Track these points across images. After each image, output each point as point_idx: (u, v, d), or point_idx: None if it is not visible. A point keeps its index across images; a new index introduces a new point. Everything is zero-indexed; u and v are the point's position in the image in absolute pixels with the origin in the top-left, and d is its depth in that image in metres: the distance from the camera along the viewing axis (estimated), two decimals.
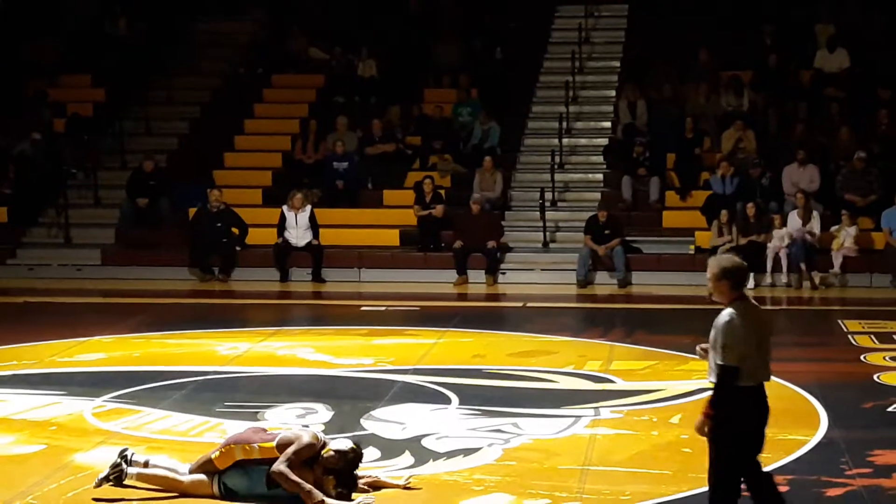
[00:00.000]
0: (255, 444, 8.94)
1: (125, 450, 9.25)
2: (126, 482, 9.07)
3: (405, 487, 9.20)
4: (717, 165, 21.34)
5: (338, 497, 8.78)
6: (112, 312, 17.99)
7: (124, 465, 9.11)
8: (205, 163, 23.24)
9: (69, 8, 26.73)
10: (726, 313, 7.62)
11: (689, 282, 19.70)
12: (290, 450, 8.75)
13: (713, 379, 7.69)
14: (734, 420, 7.63)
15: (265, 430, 9.31)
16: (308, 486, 8.69)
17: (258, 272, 20.86)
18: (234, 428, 10.31)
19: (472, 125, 23.26)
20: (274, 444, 8.89)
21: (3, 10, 26.03)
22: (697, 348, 7.94)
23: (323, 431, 9.04)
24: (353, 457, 8.92)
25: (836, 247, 19.69)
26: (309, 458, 8.84)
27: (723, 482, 7.77)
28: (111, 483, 9.06)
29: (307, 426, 10.74)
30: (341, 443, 8.98)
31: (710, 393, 7.75)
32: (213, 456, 9.03)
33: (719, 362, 7.55)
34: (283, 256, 20.72)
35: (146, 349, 14.90)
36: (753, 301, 7.87)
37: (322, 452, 8.87)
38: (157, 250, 21.57)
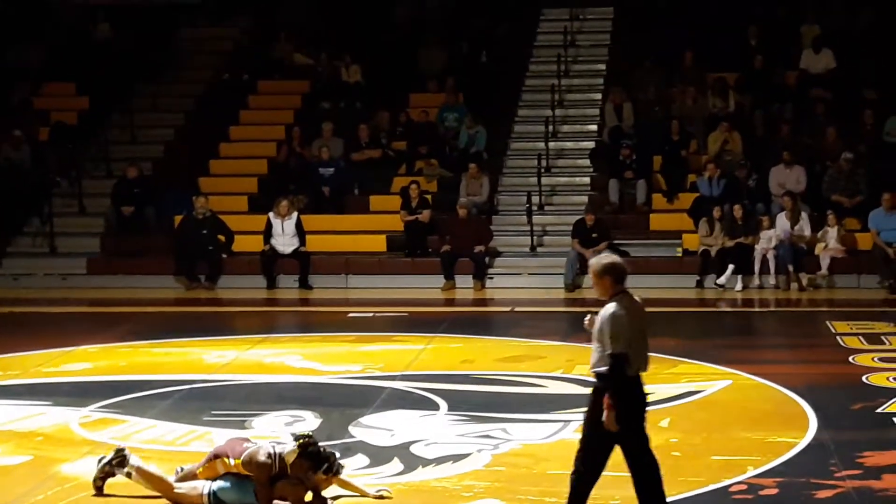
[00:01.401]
0: (230, 459, 8.89)
1: (123, 449, 9.22)
2: (126, 470, 9.06)
3: (376, 497, 9.11)
4: (703, 167, 21.33)
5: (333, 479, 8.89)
6: (98, 321, 17.91)
7: (128, 452, 9.09)
8: (190, 170, 23.18)
9: (53, 15, 26.62)
10: (610, 306, 8.04)
11: (677, 284, 19.71)
12: (258, 482, 8.73)
13: (597, 370, 8.05)
14: (622, 409, 7.97)
15: (246, 440, 9.20)
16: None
17: (245, 279, 20.79)
18: (222, 437, 10.25)
19: (458, 130, 23.23)
20: (241, 460, 8.82)
21: None
22: (585, 320, 8.23)
23: (304, 439, 8.89)
24: (309, 444, 8.82)
25: (819, 250, 19.69)
26: (277, 473, 8.75)
27: (587, 469, 8.19)
28: (111, 468, 9.08)
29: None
30: (289, 445, 8.88)
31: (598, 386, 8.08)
32: (197, 471, 9.00)
33: (610, 351, 7.93)
34: (269, 264, 20.66)
35: (132, 358, 14.83)
36: (634, 296, 8.22)
37: (286, 459, 8.78)
38: (143, 258, 21.50)
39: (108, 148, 23.89)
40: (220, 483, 8.92)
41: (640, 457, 8.15)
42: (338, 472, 8.94)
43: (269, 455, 8.77)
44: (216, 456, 8.98)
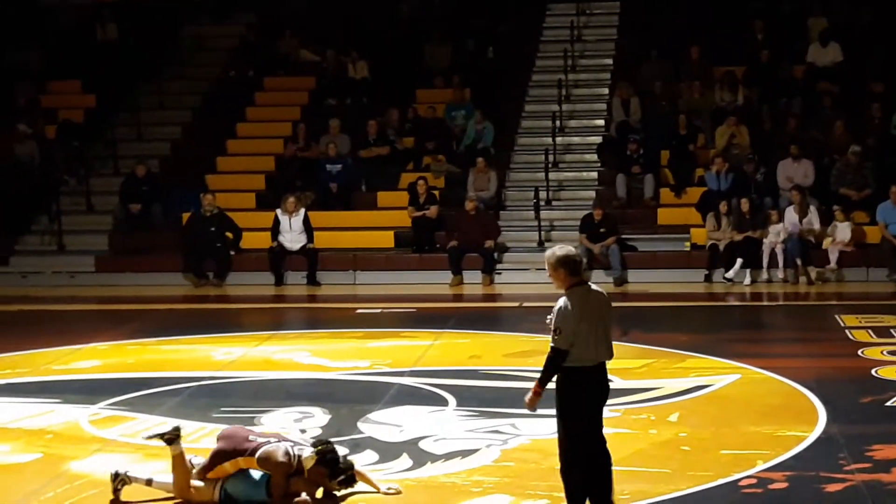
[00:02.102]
0: (238, 459, 8.88)
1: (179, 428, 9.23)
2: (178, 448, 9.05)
3: (385, 493, 9.13)
4: (711, 162, 21.31)
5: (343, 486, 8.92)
6: (107, 319, 17.93)
7: (182, 432, 9.14)
8: (197, 167, 23.20)
9: (58, 15, 26.64)
10: (561, 299, 8.21)
11: (685, 279, 19.69)
12: (275, 479, 8.75)
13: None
14: (579, 399, 8.12)
15: (250, 432, 9.16)
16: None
17: (253, 276, 20.81)
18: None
19: (466, 126, 23.21)
20: (255, 458, 8.82)
21: None
22: (548, 318, 8.34)
23: (316, 438, 8.95)
24: (328, 451, 8.86)
25: (827, 244, 19.66)
26: (294, 471, 8.81)
27: (572, 460, 8.18)
28: (166, 442, 9.08)
29: (304, 431, 10.72)
30: (308, 450, 8.93)
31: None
32: (208, 474, 8.97)
33: (551, 343, 8.15)
34: (277, 260, 20.67)
35: (141, 356, 14.85)
36: (592, 286, 8.40)
37: (304, 463, 8.80)
38: (151, 256, 21.53)
39: (116, 146, 23.94)
40: (230, 479, 8.93)
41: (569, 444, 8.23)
42: (351, 485, 8.97)
43: (288, 454, 8.78)
44: (225, 456, 8.93)
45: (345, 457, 9.16)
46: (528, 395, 8.26)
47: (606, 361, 8.27)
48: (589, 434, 8.17)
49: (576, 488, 8.24)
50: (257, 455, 8.81)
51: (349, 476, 8.96)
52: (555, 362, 8.16)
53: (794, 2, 24.84)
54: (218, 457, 8.97)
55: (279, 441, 8.97)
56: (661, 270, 19.82)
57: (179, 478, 9.04)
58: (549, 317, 8.23)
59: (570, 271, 8.26)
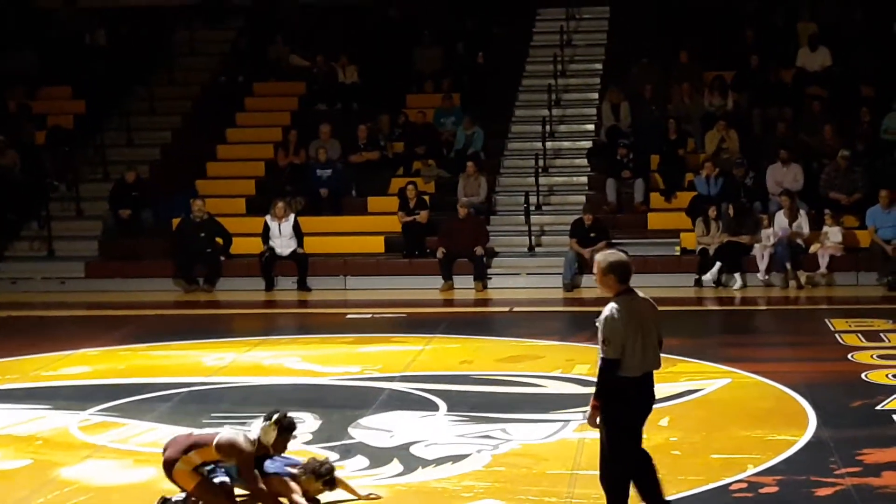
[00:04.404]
0: (191, 453, 8.65)
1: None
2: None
3: (365, 498, 9.11)
4: (701, 166, 21.34)
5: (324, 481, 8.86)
6: (97, 325, 17.90)
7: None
8: (187, 173, 23.16)
9: (48, 20, 26.61)
10: (608, 308, 7.98)
11: (676, 283, 19.70)
12: (243, 470, 8.59)
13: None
14: (623, 409, 7.98)
15: (190, 435, 8.94)
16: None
17: (243, 282, 20.79)
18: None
19: (456, 131, 23.21)
20: (212, 447, 8.63)
21: None
22: (595, 324, 8.16)
23: (276, 414, 8.82)
24: (283, 417, 8.78)
25: (815, 248, 19.69)
26: (260, 456, 8.73)
27: (614, 469, 8.07)
28: None
29: (295, 436, 10.67)
30: (259, 425, 8.79)
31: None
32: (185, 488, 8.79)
33: (601, 355, 7.93)
34: (269, 265, 20.65)
35: (131, 361, 14.82)
36: (640, 294, 8.15)
37: (268, 442, 8.70)
38: (141, 261, 21.49)
39: (105, 151, 23.89)
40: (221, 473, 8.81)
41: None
42: (333, 488, 8.94)
43: (250, 441, 8.67)
44: (174, 459, 8.71)
45: (327, 458, 9.10)
46: (587, 412, 8.09)
47: (654, 371, 8.11)
48: (632, 444, 8.08)
49: (615, 497, 8.14)
50: (217, 441, 8.62)
51: (332, 478, 8.90)
52: (608, 373, 7.91)
53: (784, 6, 24.87)
54: (169, 464, 8.74)
55: (231, 430, 8.83)
56: (651, 275, 19.76)
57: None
58: (596, 321, 8.03)
59: (620, 278, 8.04)
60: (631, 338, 7.91)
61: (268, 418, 8.77)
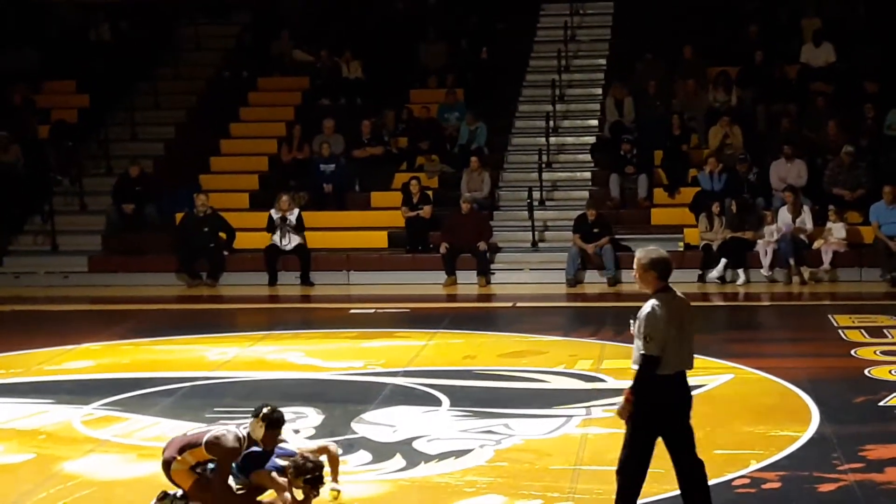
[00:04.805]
0: (185, 454, 8.67)
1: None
2: None
3: (331, 486, 9.03)
4: (704, 162, 21.33)
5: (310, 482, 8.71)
6: (100, 319, 17.91)
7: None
8: (191, 167, 23.18)
9: (52, 14, 26.61)
10: (649, 304, 7.89)
11: (679, 279, 19.56)
12: (219, 465, 8.55)
13: (634, 367, 7.94)
14: (654, 407, 7.89)
15: (185, 435, 8.93)
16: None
17: (246, 276, 20.80)
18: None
19: (459, 126, 23.21)
20: (203, 444, 8.63)
21: None
22: (631, 321, 8.09)
23: (265, 409, 8.78)
24: (272, 412, 8.68)
25: (819, 244, 19.68)
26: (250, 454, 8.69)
27: (629, 464, 8.02)
28: None
29: (297, 431, 10.71)
30: (248, 423, 8.74)
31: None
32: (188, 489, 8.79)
33: (641, 352, 7.81)
34: (273, 259, 20.63)
35: (135, 356, 14.84)
36: (678, 292, 8.10)
37: (257, 437, 8.65)
38: (145, 256, 21.51)
39: (109, 146, 23.90)
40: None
41: (685, 456, 8.10)
42: (317, 487, 8.77)
43: (239, 439, 8.64)
44: (171, 460, 8.73)
45: (317, 459, 9.02)
46: (620, 403, 7.97)
47: (687, 371, 8.03)
48: (649, 442, 7.99)
49: (625, 491, 8.08)
50: (205, 439, 8.62)
51: (316, 476, 8.74)
52: (648, 370, 7.83)
53: (788, 2, 24.84)
54: (167, 464, 8.76)
55: (223, 427, 8.81)
56: None
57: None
58: (631, 321, 7.96)
59: (661, 274, 7.99)
60: (671, 335, 7.83)
61: (255, 414, 8.72)
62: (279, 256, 20.71)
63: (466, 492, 9.27)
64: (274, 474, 8.73)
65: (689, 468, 8.11)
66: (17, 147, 22.91)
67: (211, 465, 8.70)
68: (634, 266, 8.07)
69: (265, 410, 8.71)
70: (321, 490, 8.80)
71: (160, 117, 24.90)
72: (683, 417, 8.06)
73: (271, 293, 20.36)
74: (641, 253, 8.06)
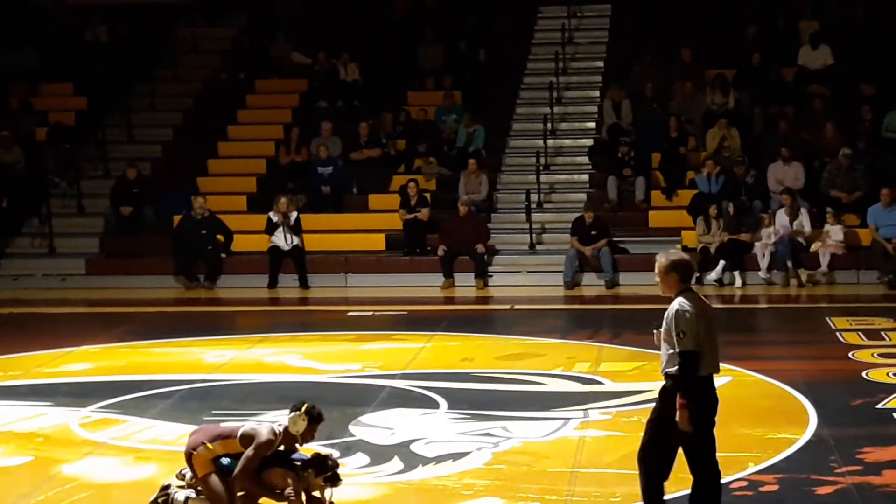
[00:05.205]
0: (216, 443, 8.61)
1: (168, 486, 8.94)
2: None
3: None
4: (702, 164, 21.33)
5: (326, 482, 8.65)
6: (97, 322, 17.92)
7: (173, 490, 8.82)
8: (189, 170, 23.17)
9: (49, 16, 26.61)
10: (676, 303, 7.83)
11: None
12: (248, 453, 8.49)
13: (667, 371, 7.84)
14: (695, 410, 7.77)
15: (218, 425, 8.94)
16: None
17: (244, 279, 20.79)
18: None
19: (457, 129, 23.21)
20: (236, 439, 8.59)
21: None
22: (655, 331, 8.00)
23: (306, 405, 8.69)
24: (312, 407, 8.65)
25: (816, 247, 19.69)
26: (286, 449, 8.63)
27: (652, 460, 7.97)
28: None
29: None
30: (287, 417, 8.64)
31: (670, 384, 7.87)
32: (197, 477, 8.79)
33: (679, 349, 7.70)
34: (277, 261, 20.60)
35: (132, 358, 14.83)
36: (700, 295, 8.03)
37: (297, 432, 8.61)
38: (142, 259, 21.50)
39: (107, 148, 23.88)
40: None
41: (703, 460, 7.99)
42: (335, 485, 8.71)
43: (274, 432, 8.59)
44: (195, 447, 8.69)
45: (330, 455, 9.01)
46: (680, 413, 7.74)
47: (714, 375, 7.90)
48: (670, 447, 7.89)
49: (648, 482, 8.01)
50: (241, 432, 8.58)
51: (335, 474, 8.71)
52: (691, 365, 7.69)
53: (785, 4, 24.85)
54: (192, 448, 8.68)
55: (258, 422, 8.79)
56: (653, 273, 19.75)
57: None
58: (655, 331, 7.86)
59: (682, 276, 7.95)
60: (703, 334, 7.77)
61: (297, 408, 8.65)
62: (282, 258, 20.68)
63: (464, 494, 9.28)
64: (287, 471, 8.69)
65: (716, 478, 8.06)
66: (17, 148, 22.92)
67: (225, 461, 8.65)
68: (656, 270, 8.02)
69: (307, 405, 8.64)
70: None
71: (158, 119, 24.89)
72: (711, 424, 7.97)
73: (269, 296, 20.34)
74: (661, 256, 8.04)
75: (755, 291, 19.48)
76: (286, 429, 8.64)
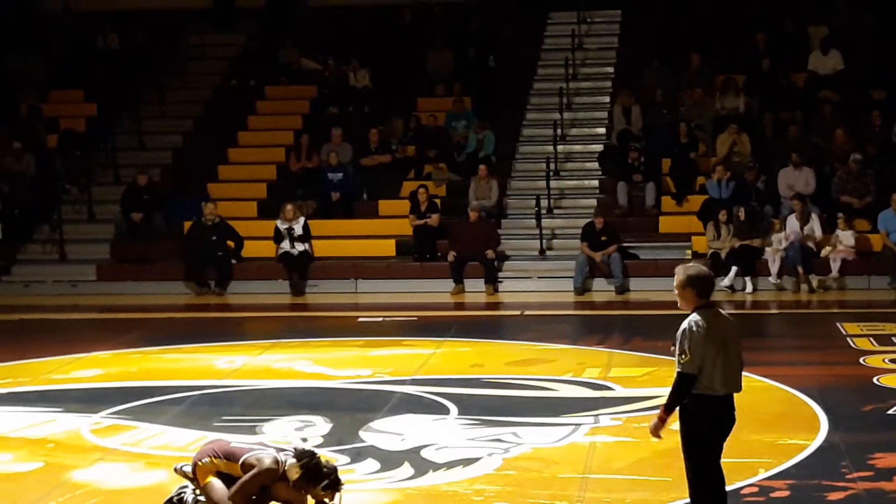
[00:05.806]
0: (220, 459, 8.57)
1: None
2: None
3: None
4: (712, 170, 21.31)
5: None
6: (108, 328, 17.94)
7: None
8: (199, 176, 23.19)
9: (59, 24, 26.67)
10: (689, 319, 7.62)
11: None
12: (246, 476, 8.39)
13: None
14: (704, 430, 7.67)
15: (230, 443, 8.80)
16: None
17: (254, 285, 20.81)
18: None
19: (467, 135, 23.22)
20: (238, 464, 8.52)
21: None
22: (673, 346, 7.86)
23: (306, 458, 8.63)
24: (311, 462, 8.48)
25: (826, 252, 19.66)
26: (273, 482, 8.46)
27: (700, 487, 7.79)
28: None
29: (306, 440, 10.71)
30: (291, 459, 8.52)
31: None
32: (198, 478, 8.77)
33: (677, 369, 7.59)
34: (290, 266, 20.58)
35: (143, 364, 14.85)
36: (720, 310, 7.86)
37: (290, 476, 8.54)
38: (153, 265, 21.53)
39: (117, 155, 23.94)
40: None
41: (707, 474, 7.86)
42: (337, 489, 8.57)
43: (277, 461, 8.57)
44: (203, 457, 8.70)
45: (327, 461, 8.91)
46: (653, 422, 7.71)
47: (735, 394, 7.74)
48: (714, 462, 7.72)
49: (715, 500, 7.82)
50: (243, 459, 8.50)
51: (334, 480, 8.51)
52: (683, 388, 7.53)
53: (795, 10, 24.83)
54: (199, 458, 8.68)
55: (265, 448, 8.79)
56: (663, 279, 19.66)
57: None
58: (673, 346, 7.64)
59: (699, 292, 7.64)
60: (712, 354, 7.55)
61: (298, 458, 8.46)
62: (294, 264, 20.68)
63: (475, 500, 9.26)
64: (287, 486, 8.58)
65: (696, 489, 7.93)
66: (30, 156, 22.98)
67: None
68: (674, 284, 7.77)
69: (306, 459, 8.41)
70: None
71: (168, 126, 24.94)
72: (724, 439, 7.84)
73: (279, 301, 20.33)
74: (679, 269, 7.77)
75: (766, 297, 19.45)
76: (286, 465, 8.49)
